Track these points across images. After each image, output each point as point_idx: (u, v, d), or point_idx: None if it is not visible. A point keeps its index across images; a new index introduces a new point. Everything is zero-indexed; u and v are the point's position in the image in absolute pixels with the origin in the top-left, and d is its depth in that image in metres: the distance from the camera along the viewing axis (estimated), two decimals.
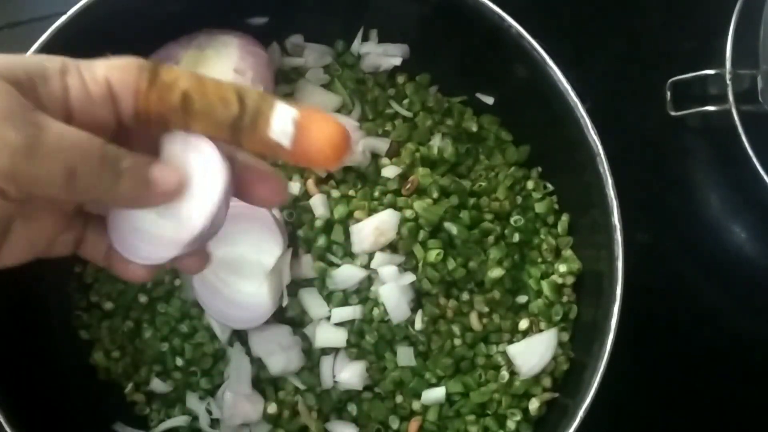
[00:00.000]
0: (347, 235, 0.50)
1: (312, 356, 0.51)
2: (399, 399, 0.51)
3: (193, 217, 0.32)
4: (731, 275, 0.62)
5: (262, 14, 0.56)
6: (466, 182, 0.54)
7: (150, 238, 0.33)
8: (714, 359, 0.60)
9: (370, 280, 0.50)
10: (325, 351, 0.51)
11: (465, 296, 0.52)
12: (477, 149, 0.56)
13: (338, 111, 0.56)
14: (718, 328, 0.61)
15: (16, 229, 0.31)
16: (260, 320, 0.49)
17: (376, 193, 0.52)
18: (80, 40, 0.49)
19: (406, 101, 0.57)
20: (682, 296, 0.62)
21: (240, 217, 0.48)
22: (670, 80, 0.57)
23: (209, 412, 0.51)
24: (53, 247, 0.34)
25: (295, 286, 0.51)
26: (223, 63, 0.52)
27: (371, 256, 0.50)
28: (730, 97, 0.53)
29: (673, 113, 0.58)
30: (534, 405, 0.51)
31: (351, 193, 0.52)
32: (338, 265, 0.50)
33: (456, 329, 0.52)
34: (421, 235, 0.51)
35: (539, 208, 0.55)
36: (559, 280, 0.53)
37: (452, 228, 0.51)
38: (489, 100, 0.57)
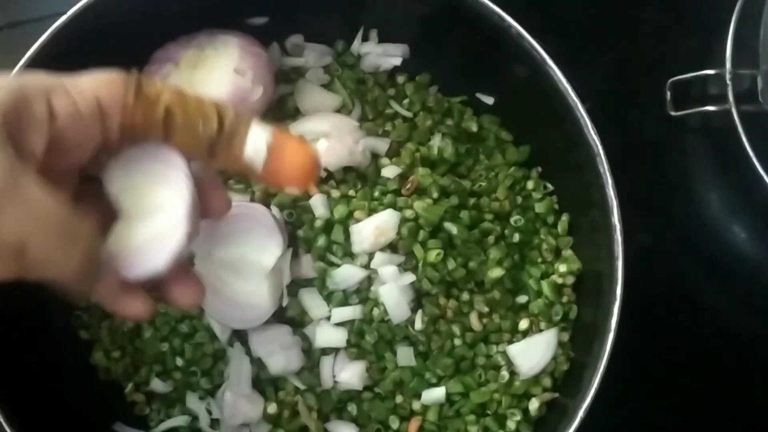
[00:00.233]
0: (347, 235, 0.50)
1: (312, 356, 0.51)
2: (399, 399, 0.51)
3: (169, 225, 0.34)
4: (731, 275, 0.62)
5: (262, 14, 0.56)
6: (466, 182, 0.54)
7: (139, 250, 0.34)
8: (714, 359, 0.60)
9: (370, 280, 0.50)
10: (325, 351, 0.51)
11: (465, 296, 0.52)
12: (477, 149, 0.56)
13: (338, 111, 0.56)
14: (718, 328, 0.61)
15: None
16: (260, 320, 0.49)
17: (376, 193, 0.52)
18: (80, 40, 0.49)
19: (406, 101, 0.57)
20: (682, 296, 0.62)
21: (240, 217, 0.48)
22: (670, 80, 0.58)
23: (209, 412, 0.51)
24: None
25: (295, 286, 0.51)
26: (223, 63, 0.52)
27: (371, 256, 0.50)
28: (730, 97, 0.53)
29: (673, 113, 0.58)
30: (534, 405, 0.51)
31: (351, 193, 0.52)
32: (338, 265, 0.50)
33: (456, 329, 0.52)
34: (421, 235, 0.51)
35: (539, 208, 0.55)
36: (559, 280, 0.53)
37: (452, 228, 0.51)
38: (489, 100, 0.57)
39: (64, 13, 0.49)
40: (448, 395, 0.51)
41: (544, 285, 0.53)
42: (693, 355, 0.60)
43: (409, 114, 0.56)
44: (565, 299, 0.53)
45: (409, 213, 0.51)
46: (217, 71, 0.52)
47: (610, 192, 0.49)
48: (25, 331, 0.51)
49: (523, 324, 0.52)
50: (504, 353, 0.52)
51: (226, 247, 0.49)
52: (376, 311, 0.50)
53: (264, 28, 0.56)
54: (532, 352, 0.51)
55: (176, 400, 0.52)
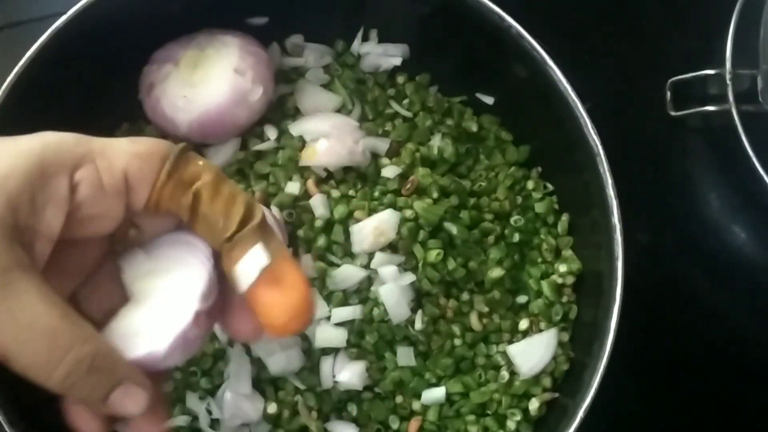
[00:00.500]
0: (347, 235, 0.50)
1: (312, 356, 0.51)
2: (399, 399, 0.51)
3: (177, 306, 0.32)
4: (731, 275, 0.62)
5: (262, 14, 0.56)
6: (466, 182, 0.54)
7: (141, 331, 0.32)
8: (714, 359, 0.60)
9: (370, 280, 0.50)
10: (325, 351, 0.51)
11: (465, 296, 0.52)
12: (477, 149, 0.56)
13: (338, 111, 0.56)
14: (718, 328, 0.61)
15: None
16: None
17: (376, 193, 0.52)
18: (80, 40, 0.49)
19: (406, 101, 0.57)
20: (682, 296, 0.62)
21: None
22: (670, 80, 0.57)
23: (209, 412, 0.51)
24: None
25: None
26: (223, 63, 0.52)
27: (371, 256, 0.50)
28: (730, 97, 0.53)
29: (673, 113, 0.58)
30: (534, 405, 0.51)
31: (351, 193, 0.52)
32: (338, 265, 0.50)
33: (456, 329, 0.52)
34: (421, 235, 0.51)
35: (539, 208, 0.55)
36: (559, 280, 0.53)
37: (452, 228, 0.51)
38: (489, 100, 0.57)
39: (64, 13, 0.49)
40: (448, 395, 0.51)
41: (544, 285, 0.53)
42: (693, 355, 0.60)
43: (409, 114, 0.56)
44: (565, 299, 0.53)
45: (409, 213, 0.51)
46: (217, 71, 0.52)
47: (610, 192, 0.49)
48: None
49: (523, 324, 0.52)
50: (504, 353, 0.52)
51: None
52: (376, 311, 0.50)
53: (264, 28, 0.56)
54: (532, 352, 0.51)
55: (176, 400, 0.52)
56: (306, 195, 0.52)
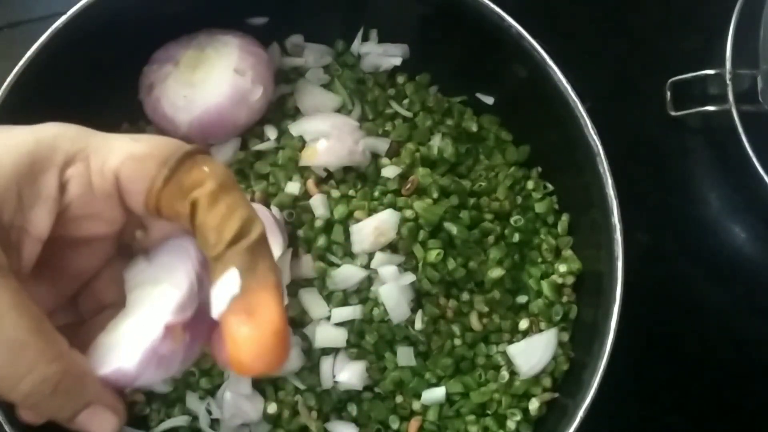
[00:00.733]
0: (347, 235, 0.50)
1: (312, 356, 0.51)
2: (399, 399, 0.51)
3: (151, 320, 0.29)
4: (731, 275, 0.62)
5: (262, 14, 0.56)
6: (466, 182, 0.54)
7: (112, 345, 0.29)
8: (714, 359, 0.60)
9: (370, 280, 0.50)
10: (325, 351, 0.51)
11: (465, 296, 0.52)
12: (477, 149, 0.56)
13: (338, 111, 0.56)
14: (719, 328, 0.61)
15: None
16: None
17: (376, 193, 0.52)
18: (80, 40, 0.49)
19: (406, 101, 0.57)
20: (682, 296, 0.62)
21: None
22: (670, 80, 0.57)
23: (209, 412, 0.51)
24: None
25: (295, 286, 0.51)
26: (223, 63, 0.52)
27: (371, 256, 0.50)
28: (730, 97, 0.53)
29: (673, 113, 0.58)
30: (534, 405, 0.51)
31: (351, 193, 0.52)
32: (338, 265, 0.50)
33: (456, 329, 0.52)
34: (421, 235, 0.51)
35: (539, 208, 0.55)
36: (559, 280, 0.53)
37: (452, 228, 0.51)
38: (489, 100, 0.57)
39: (64, 13, 0.49)
40: (448, 395, 0.51)
41: (544, 285, 0.53)
42: (693, 356, 0.60)
43: (409, 114, 0.56)
44: (565, 299, 0.53)
45: (409, 213, 0.51)
46: (217, 71, 0.52)
47: (610, 192, 0.49)
48: None
49: (523, 324, 0.52)
50: (504, 353, 0.52)
51: None
52: (376, 311, 0.50)
53: (264, 28, 0.56)
54: (532, 352, 0.51)
55: (176, 400, 0.52)
56: (306, 195, 0.52)
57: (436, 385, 0.51)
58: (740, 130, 0.52)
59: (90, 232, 0.30)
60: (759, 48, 0.53)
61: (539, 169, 0.56)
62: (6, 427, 0.45)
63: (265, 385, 0.51)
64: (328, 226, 0.51)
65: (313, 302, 0.50)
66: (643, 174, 0.62)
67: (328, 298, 0.50)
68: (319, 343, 0.50)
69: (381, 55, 0.57)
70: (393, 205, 0.51)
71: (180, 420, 0.51)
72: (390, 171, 0.53)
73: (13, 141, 0.28)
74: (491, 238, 0.53)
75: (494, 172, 0.56)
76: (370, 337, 0.50)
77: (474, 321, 0.52)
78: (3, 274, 0.26)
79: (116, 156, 0.28)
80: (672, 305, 0.61)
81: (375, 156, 0.54)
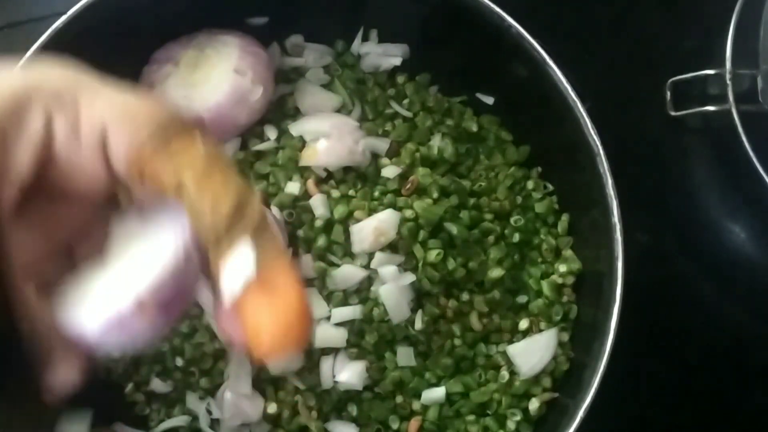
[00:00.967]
0: (347, 235, 0.50)
1: (312, 356, 0.51)
2: (399, 399, 0.51)
3: (124, 285, 0.27)
4: (731, 275, 0.62)
5: (262, 14, 0.56)
6: (466, 182, 0.54)
7: (84, 300, 0.28)
8: (714, 359, 0.60)
9: (370, 280, 0.50)
10: (325, 351, 0.51)
11: (465, 296, 0.52)
12: (477, 149, 0.56)
13: (338, 111, 0.56)
14: (718, 328, 0.61)
15: None
16: None
17: (376, 193, 0.52)
18: (80, 40, 0.49)
19: (406, 101, 0.57)
20: (682, 296, 0.62)
21: None
22: (670, 80, 0.57)
23: (209, 412, 0.51)
24: None
25: None
26: (223, 63, 0.52)
27: (371, 256, 0.50)
28: (730, 97, 0.53)
29: (673, 113, 0.58)
30: (534, 405, 0.51)
31: (351, 193, 0.52)
32: (338, 265, 0.50)
33: (456, 329, 0.52)
34: (421, 235, 0.51)
35: (539, 208, 0.55)
36: (559, 280, 0.53)
37: (452, 228, 0.51)
38: (489, 100, 0.57)
39: (64, 13, 0.49)
40: (448, 395, 0.51)
41: (544, 285, 0.53)
42: (693, 356, 0.60)
43: (409, 114, 0.56)
44: (565, 299, 0.53)
45: (409, 213, 0.51)
46: (217, 71, 0.52)
47: (610, 192, 0.49)
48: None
49: (523, 324, 0.52)
50: (504, 353, 0.52)
51: None
52: (376, 311, 0.50)
53: (264, 28, 0.56)
54: (532, 352, 0.51)
55: (176, 400, 0.52)
56: (306, 195, 0.52)
57: (436, 385, 0.51)
58: (740, 130, 0.52)
59: (77, 186, 0.28)
60: (759, 48, 0.53)
61: (539, 169, 0.56)
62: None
63: (265, 385, 0.51)
64: (328, 226, 0.51)
65: (313, 302, 0.50)
66: (643, 174, 0.62)
67: (328, 298, 0.50)
68: (319, 343, 0.50)
69: (381, 55, 0.57)
70: (393, 205, 0.51)
71: (180, 420, 0.51)
72: (390, 171, 0.53)
73: (4, 82, 0.26)
74: (491, 238, 0.53)
75: (494, 172, 0.56)
76: (370, 337, 0.50)
77: (474, 321, 0.52)
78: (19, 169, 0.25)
79: (108, 108, 0.27)
80: (672, 305, 0.61)
81: (375, 156, 0.54)
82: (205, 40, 0.53)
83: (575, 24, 0.65)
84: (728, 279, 0.62)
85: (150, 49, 0.54)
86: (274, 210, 0.51)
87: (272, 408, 0.50)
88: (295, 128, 0.53)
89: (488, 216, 0.54)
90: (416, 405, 0.51)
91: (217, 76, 0.52)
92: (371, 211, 0.51)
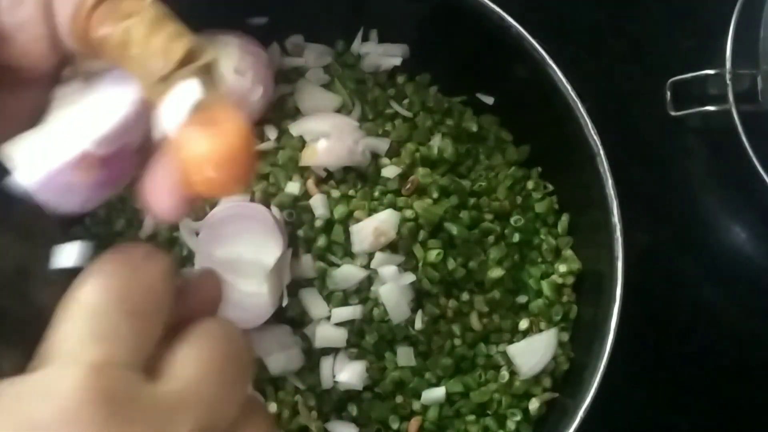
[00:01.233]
0: (347, 235, 0.50)
1: (312, 356, 0.51)
2: (399, 399, 0.51)
3: (63, 144, 0.25)
4: (731, 275, 0.62)
5: (262, 14, 0.56)
6: (466, 182, 0.54)
7: (20, 156, 0.26)
8: (714, 359, 0.60)
9: (370, 280, 0.50)
10: (325, 351, 0.51)
11: (465, 296, 0.52)
12: (477, 149, 0.56)
13: (338, 111, 0.56)
14: (718, 328, 0.61)
15: None
16: (260, 320, 0.49)
17: (376, 193, 0.52)
18: None
19: (406, 101, 0.57)
20: (682, 296, 0.62)
21: (240, 217, 0.48)
22: (670, 80, 0.57)
23: None
24: None
25: (295, 286, 0.51)
26: (223, 63, 0.52)
27: (371, 256, 0.50)
28: (730, 97, 0.53)
29: (673, 113, 0.58)
30: (534, 405, 0.51)
31: (351, 193, 0.52)
32: (338, 265, 0.50)
33: (456, 329, 0.52)
34: (421, 235, 0.51)
35: (539, 208, 0.55)
36: (559, 280, 0.53)
37: (452, 228, 0.51)
38: (489, 100, 0.57)
39: None
40: (448, 395, 0.51)
41: (544, 285, 0.53)
42: (693, 355, 0.60)
43: (409, 114, 0.56)
44: (565, 299, 0.53)
45: (409, 213, 0.51)
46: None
47: (610, 192, 0.49)
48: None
49: (523, 324, 0.52)
50: (504, 353, 0.52)
51: (226, 247, 0.48)
52: (376, 311, 0.50)
53: (264, 28, 0.56)
54: (532, 352, 0.51)
55: None
56: (306, 195, 0.52)
57: (436, 385, 0.51)
58: (740, 130, 0.52)
59: (18, 57, 0.27)
60: (759, 48, 0.53)
61: (539, 169, 0.56)
62: None
63: (264, 385, 0.51)
64: (328, 226, 0.51)
65: (313, 302, 0.50)
66: (643, 174, 0.62)
67: (328, 298, 0.50)
68: (319, 343, 0.50)
69: (381, 55, 0.57)
70: (393, 205, 0.51)
71: None
72: (390, 171, 0.53)
73: None
74: (491, 238, 0.53)
75: (494, 172, 0.56)
76: (370, 337, 0.50)
77: (474, 321, 0.52)
78: None
79: None
80: (672, 305, 0.61)
81: (375, 156, 0.54)
82: (205, 41, 0.53)
83: (575, 24, 0.65)
84: (728, 279, 0.62)
85: None
86: (274, 210, 0.51)
87: (272, 408, 0.50)
88: (295, 128, 0.53)
89: (488, 216, 0.54)
90: (416, 405, 0.51)
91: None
92: (371, 211, 0.51)
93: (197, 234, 0.50)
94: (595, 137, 0.49)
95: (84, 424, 0.21)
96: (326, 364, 0.50)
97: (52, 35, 0.26)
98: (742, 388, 0.60)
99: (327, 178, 0.53)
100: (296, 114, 0.56)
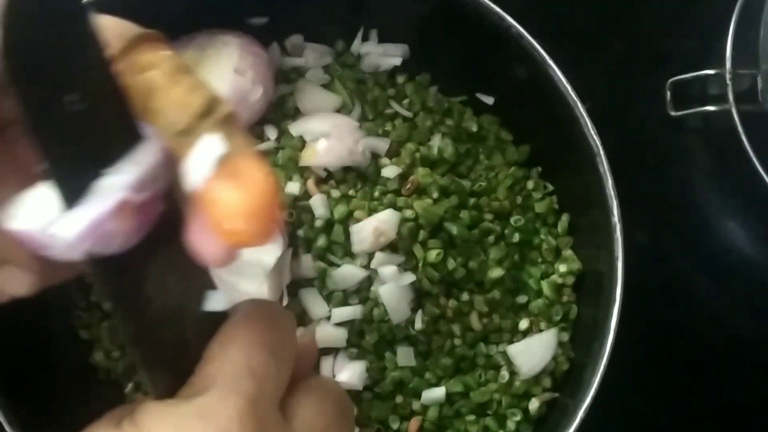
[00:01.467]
0: (347, 235, 0.50)
1: None
2: (399, 399, 0.51)
3: (98, 193, 0.26)
4: (731, 275, 0.62)
5: (262, 14, 0.56)
6: (466, 182, 0.54)
7: (49, 203, 0.26)
8: (714, 359, 0.60)
9: (370, 280, 0.50)
10: (325, 351, 0.51)
11: (465, 296, 0.52)
12: (477, 149, 0.56)
13: (338, 111, 0.56)
14: (718, 328, 0.61)
15: None
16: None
17: (376, 193, 0.52)
18: None
19: (406, 101, 0.57)
20: (682, 296, 0.62)
21: None
22: (670, 80, 0.57)
23: None
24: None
25: (295, 286, 0.51)
26: (223, 63, 0.52)
27: (371, 256, 0.50)
28: (730, 97, 0.53)
29: (673, 113, 0.58)
30: (534, 405, 0.51)
31: (351, 193, 0.52)
32: (338, 265, 0.50)
33: (456, 329, 0.52)
34: (421, 235, 0.51)
35: (539, 208, 0.55)
36: (559, 280, 0.53)
37: (452, 228, 0.51)
38: (489, 100, 0.57)
39: None
40: (448, 395, 0.51)
41: (544, 285, 0.53)
42: (693, 355, 0.60)
43: (409, 114, 0.56)
44: (565, 299, 0.53)
45: (409, 213, 0.51)
46: (217, 71, 0.52)
47: (610, 192, 0.49)
48: (25, 332, 0.51)
49: (523, 324, 0.52)
50: (504, 353, 0.52)
51: None
52: (376, 311, 0.50)
53: (264, 28, 0.56)
54: (532, 352, 0.51)
55: None
56: (306, 195, 0.52)
57: (436, 385, 0.51)
58: (740, 130, 0.52)
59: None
60: (759, 48, 0.53)
61: (539, 169, 0.56)
62: (6, 428, 0.45)
63: None
64: (328, 226, 0.51)
65: (313, 302, 0.50)
66: (643, 174, 0.62)
67: (328, 298, 0.50)
68: (319, 343, 0.50)
69: (381, 55, 0.57)
70: (393, 205, 0.51)
71: None
72: (390, 171, 0.53)
73: None
74: (491, 238, 0.53)
75: (494, 172, 0.56)
76: (370, 337, 0.50)
77: (474, 321, 0.52)
78: None
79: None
80: (672, 305, 0.61)
81: (375, 156, 0.54)
82: (206, 40, 0.53)
83: (575, 24, 0.65)
84: (728, 279, 0.62)
85: None
86: None
87: None
88: (295, 128, 0.53)
89: (488, 216, 0.54)
90: (416, 405, 0.51)
91: (217, 76, 0.52)
92: (371, 211, 0.51)
93: None
94: (595, 137, 0.49)
95: None
96: (326, 364, 0.50)
97: None
98: (743, 387, 0.60)
99: (327, 178, 0.53)
100: (296, 114, 0.56)
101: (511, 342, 0.52)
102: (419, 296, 0.51)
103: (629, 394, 0.58)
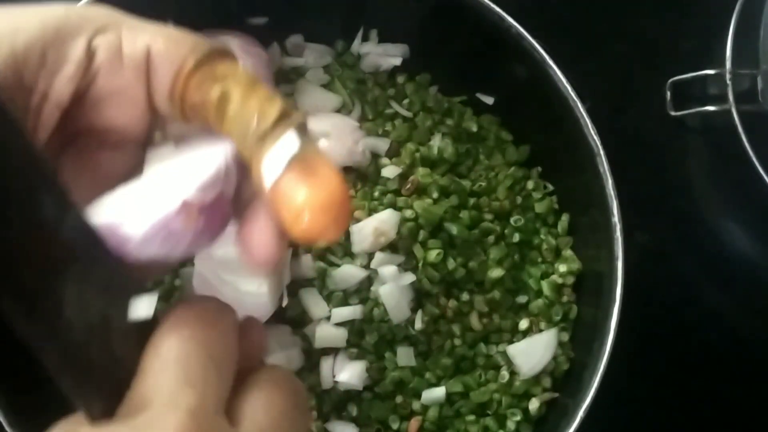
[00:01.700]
0: (347, 235, 0.50)
1: (312, 356, 0.51)
2: (399, 399, 0.51)
3: (165, 197, 0.27)
4: (731, 275, 0.62)
5: (262, 14, 0.56)
6: (466, 182, 0.54)
7: (124, 209, 0.27)
8: (714, 359, 0.60)
9: (370, 280, 0.50)
10: (325, 351, 0.51)
11: (465, 296, 0.52)
12: (477, 149, 0.56)
13: (338, 111, 0.56)
14: (719, 328, 0.61)
15: None
16: (260, 320, 0.49)
17: (376, 193, 0.52)
18: None
19: (406, 101, 0.57)
20: (682, 296, 0.62)
21: None
22: (670, 80, 0.58)
23: None
24: None
25: (295, 286, 0.51)
26: None
27: (371, 256, 0.50)
28: (730, 97, 0.53)
29: (673, 113, 0.58)
30: (534, 405, 0.51)
31: (351, 193, 0.52)
32: (338, 265, 0.50)
33: (456, 329, 0.52)
34: (421, 235, 0.51)
35: (539, 208, 0.55)
36: (559, 280, 0.53)
37: (452, 228, 0.51)
38: (489, 100, 0.57)
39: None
40: (448, 395, 0.51)
41: (544, 285, 0.53)
42: (693, 355, 0.60)
43: (409, 114, 0.56)
44: (565, 299, 0.53)
45: (409, 213, 0.51)
46: None
47: (610, 192, 0.49)
48: None
49: (523, 324, 0.52)
50: (504, 353, 0.52)
51: (226, 247, 0.48)
52: (376, 311, 0.50)
53: (264, 28, 0.56)
54: (532, 352, 0.51)
55: None
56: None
57: (436, 385, 0.51)
58: (740, 130, 0.53)
59: (116, 119, 0.29)
60: (759, 48, 0.53)
61: (539, 169, 0.56)
62: (6, 428, 0.45)
63: None
64: None
65: (313, 302, 0.50)
66: (643, 174, 0.62)
67: (328, 298, 0.50)
68: (319, 343, 0.50)
69: (381, 55, 0.57)
70: (393, 205, 0.51)
71: None
72: (390, 171, 0.53)
73: (44, 9, 0.27)
74: (491, 238, 0.53)
75: (494, 172, 0.56)
76: (370, 337, 0.50)
77: (474, 321, 0.52)
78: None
79: (149, 33, 0.28)
80: (672, 305, 0.61)
81: (375, 156, 0.54)
82: None
83: (575, 24, 0.65)
84: (728, 279, 0.62)
85: None
86: None
87: None
88: None
89: (488, 216, 0.54)
90: (416, 405, 0.51)
91: None
92: (371, 211, 0.51)
93: None
94: (595, 137, 0.49)
95: None
96: (326, 364, 0.50)
97: (147, 99, 0.28)
98: (742, 388, 0.60)
99: None
100: None
101: (511, 342, 0.52)
102: (419, 296, 0.51)
103: (629, 394, 0.58)
